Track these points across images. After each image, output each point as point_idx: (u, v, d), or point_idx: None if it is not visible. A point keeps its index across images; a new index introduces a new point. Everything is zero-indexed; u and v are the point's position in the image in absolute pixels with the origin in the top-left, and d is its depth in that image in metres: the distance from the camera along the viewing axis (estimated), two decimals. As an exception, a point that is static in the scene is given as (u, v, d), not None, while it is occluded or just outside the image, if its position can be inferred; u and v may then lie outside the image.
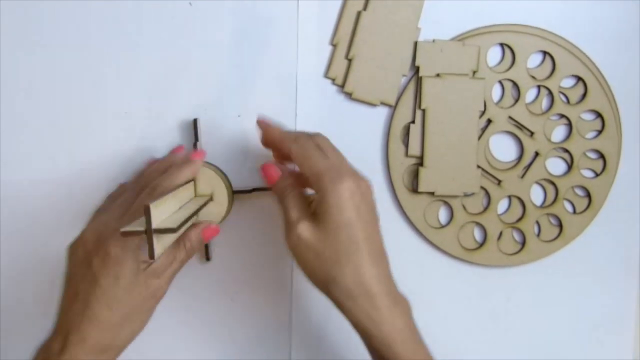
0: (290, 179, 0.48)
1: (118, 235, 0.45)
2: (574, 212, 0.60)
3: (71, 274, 0.47)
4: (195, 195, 0.53)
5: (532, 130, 0.59)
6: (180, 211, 0.46)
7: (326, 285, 0.43)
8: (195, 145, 0.55)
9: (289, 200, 0.46)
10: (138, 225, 0.40)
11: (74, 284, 0.46)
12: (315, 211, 0.44)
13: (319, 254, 0.43)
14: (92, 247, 0.46)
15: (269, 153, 0.58)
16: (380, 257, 0.45)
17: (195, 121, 0.56)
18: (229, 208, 0.54)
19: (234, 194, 0.55)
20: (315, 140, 0.47)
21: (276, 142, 0.48)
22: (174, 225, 0.41)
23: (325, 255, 0.43)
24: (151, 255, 0.39)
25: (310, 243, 0.43)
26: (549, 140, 0.59)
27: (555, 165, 0.60)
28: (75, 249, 0.47)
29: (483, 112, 0.58)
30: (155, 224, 0.40)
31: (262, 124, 0.50)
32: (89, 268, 0.45)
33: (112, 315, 0.45)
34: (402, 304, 0.45)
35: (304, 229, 0.43)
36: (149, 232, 0.39)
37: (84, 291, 0.45)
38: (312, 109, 0.58)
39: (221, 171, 0.55)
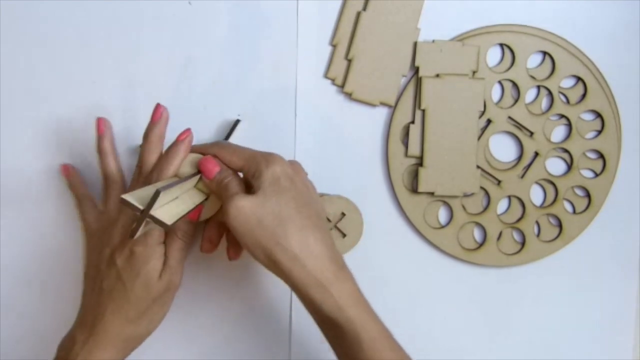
0: (229, 170, 0.49)
1: (142, 235, 0.48)
2: (574, 212, 0.60)
3: (96, 271, 0.51)
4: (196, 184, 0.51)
5: (532, 130, 0.59)
6: (177, 203, 0.46)
7: (270, 251, 0.44)
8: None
9: (227, 183, 0.47)
10: (138, 201, 0.41)
11: (99, 280, 0.49)
12: (251, 187, 0.47)
13: (260, 220, 0.44)
14: (117, 245, 0.49)
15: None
16: (322, 224, 0.47)
17: (236, 122, 0.56)
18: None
19: None
20: None
21: (203, 152, 0.51)
22: (169, 221, 0.42)
23: (267, 220, 0.44)
24: (132, 234, 0.42)
25: (251, 211, 0.44)
26: (549, 140, 0.59)
27: (555, 165, 0.60)
28: (98, 244, 0.51)
29: (483, 112, 0.58)
30: (154, 211, 0.41)
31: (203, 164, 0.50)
32: (113, 265, 0.48)
33: (133, 309, 0.48)
34: (346, 269, 0.46)
35: (242, 199, 0.45)
36: (143, 215, 0.41)
37: (109, 287, 0.48)
38: (312, 109, 0.58)
39: None
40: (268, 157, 0.47)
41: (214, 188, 0.49)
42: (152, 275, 0.48)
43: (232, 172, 0.49)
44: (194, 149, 0.51)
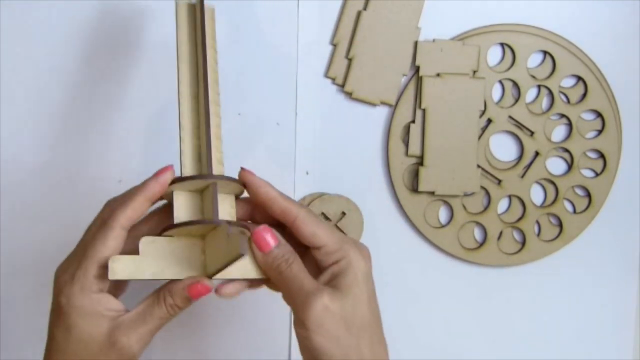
0: (288, 245, 0.40)
1: (72, 280, 0.39)
2: (574, 211, 0.60)
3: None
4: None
5: (532, 129, 0.59)
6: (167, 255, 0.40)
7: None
8: None
9: (295, 268, 0.39)
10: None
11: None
12: (333, 280, 0.39)
13: (349, 326, 0.38)
14: (54, 292, 0.40)
15: (270, 157, 0.58)
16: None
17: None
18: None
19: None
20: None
21: (272, 203, 0.40)
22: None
23: (354, 327, 0.38)
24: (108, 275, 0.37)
25: (340, 315, 0.37)
26: (549, 139, 0.59)
27: (556, 165, 0.60)
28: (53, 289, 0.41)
29: (483, 112, 0.58)
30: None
31: (252, 180, 0.41)
32: (50, 317, 0.40)
33: None
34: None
35: (328, 296, 0.37)
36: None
37: (46, 345, 0.40)
38: (312, 109, 0.58)
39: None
40: (359, 247, 0.40)
41: (267, 266, 0.39)
42: (88, 332, 0.38)
43: (291, 249, 0.39)
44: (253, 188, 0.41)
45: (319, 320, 0.37)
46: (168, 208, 0.41)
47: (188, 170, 0.41)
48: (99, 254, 0.38)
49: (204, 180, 0.40)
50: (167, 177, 0.40)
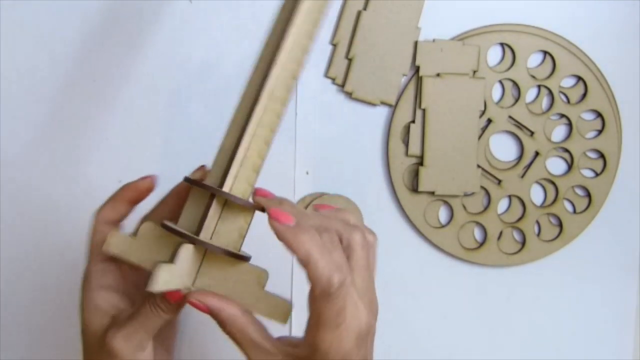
0: (247, 315, 0.40)
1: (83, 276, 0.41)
2: (574, 211, 0.60)
3: None
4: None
5: (532, 130, 0.59)
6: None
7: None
8: None
9: (254, 339, 0.39)
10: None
11: None
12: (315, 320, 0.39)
13: None
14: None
15: (270, 157, 0.58)
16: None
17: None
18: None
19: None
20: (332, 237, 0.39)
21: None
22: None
23: None
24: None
25: None
26: (549, 140, 0.59)
27: (556, 165, 0.60)
28: None
29: (483, 112, 0.58)
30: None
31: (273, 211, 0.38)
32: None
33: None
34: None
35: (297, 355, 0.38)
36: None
37: None
38: (312, 109, 0.58)
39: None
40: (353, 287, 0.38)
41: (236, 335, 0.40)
42: (92, 329, 0.39)
43: (247, 320, 0.40)
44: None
45: None
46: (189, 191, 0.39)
47: (215, 169, 0.38)
48: (89, 247, 0.41)
49: (204, 189, 0.37)
50: (143, 185, 0.41)
